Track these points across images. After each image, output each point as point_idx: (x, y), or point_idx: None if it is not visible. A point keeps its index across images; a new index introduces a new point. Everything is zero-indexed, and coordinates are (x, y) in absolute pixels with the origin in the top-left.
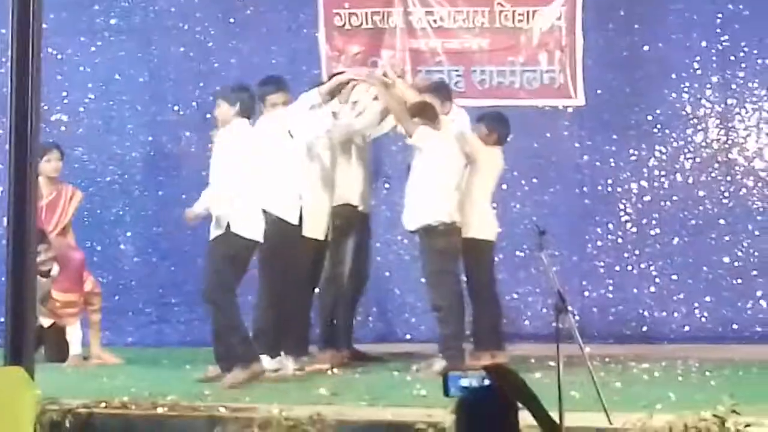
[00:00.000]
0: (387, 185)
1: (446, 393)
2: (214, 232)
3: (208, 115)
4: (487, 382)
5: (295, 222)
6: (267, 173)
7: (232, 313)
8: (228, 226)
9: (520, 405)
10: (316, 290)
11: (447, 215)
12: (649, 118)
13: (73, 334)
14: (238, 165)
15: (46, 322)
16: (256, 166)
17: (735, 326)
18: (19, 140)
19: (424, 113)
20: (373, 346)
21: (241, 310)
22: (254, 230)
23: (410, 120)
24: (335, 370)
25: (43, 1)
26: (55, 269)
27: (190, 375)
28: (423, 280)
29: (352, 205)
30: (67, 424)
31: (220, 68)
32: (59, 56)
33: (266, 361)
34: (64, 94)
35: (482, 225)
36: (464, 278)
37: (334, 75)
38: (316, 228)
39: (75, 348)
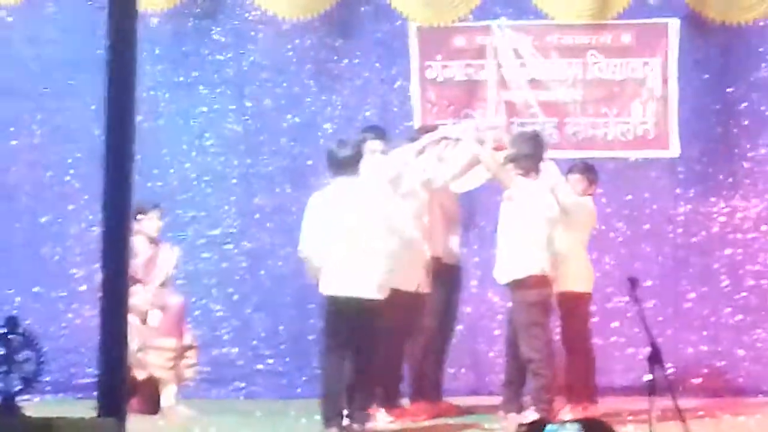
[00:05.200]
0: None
1: None
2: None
3: (301, 167)
4: None
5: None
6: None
7: (333, 375)
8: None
9: None
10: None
11: (539, 267)
12: (744, 169)
13: (167, 386)
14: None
15: (140, 374)
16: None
17: None
18: (113, 193)
19: (522, 164)
20: (465, 398)
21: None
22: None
23: (506, 171)
24: (427, 423)
25: (138, 55)
26: (154, 315)
27: (281, 428)
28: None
29: (441, 257)
30: None
31: (314, 121)
32: (154, 109)
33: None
34: (159, 147)
35: (578, 277)
36: (558, 330)
37: (428, 131)
38: (407, 281)
39: (167, 400)
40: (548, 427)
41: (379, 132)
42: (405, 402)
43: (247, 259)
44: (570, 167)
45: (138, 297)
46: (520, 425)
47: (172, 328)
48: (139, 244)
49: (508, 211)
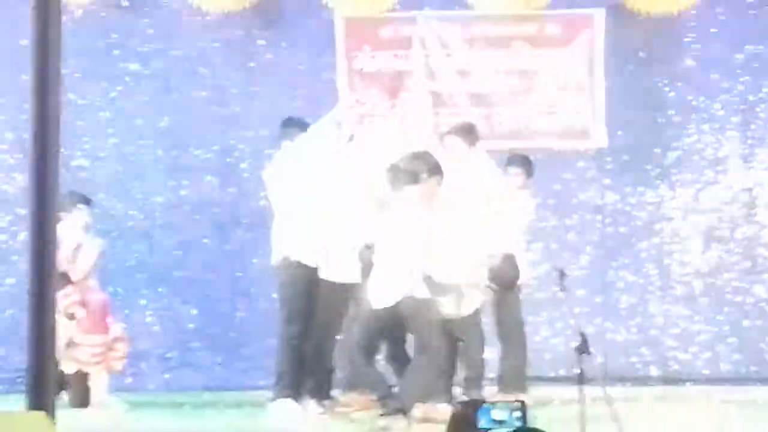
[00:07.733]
0: None
1: (475, 426)
2: None
3: (228, 159)
4: (516, 414)
5: (313, 265)
6: (287, 214)
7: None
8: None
9: None
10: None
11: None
12: (670, 159)
13: (97, 379)
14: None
15: (69, 368)
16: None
17: (757, 367)
18: (39, 186)
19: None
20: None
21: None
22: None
23: None
24: (358, 414)
25: (63, 47)
26: (80, 312)
27: (211, 419)
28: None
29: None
30: None
31: (241, 113)
32: (80, 102)
33: (288, 404)
34: (86, 139)
35: None
36: (493, 321)
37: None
38: (338, 271)
39: (97, 393)
40: (484, 406)
41: (302, 124)
42: (336, 393)
43: (175, 252)
44: (509, 160)
45: (62, 294)
46: (456, 404)
47: (96, 324)
48: (63, 237)
49: None
